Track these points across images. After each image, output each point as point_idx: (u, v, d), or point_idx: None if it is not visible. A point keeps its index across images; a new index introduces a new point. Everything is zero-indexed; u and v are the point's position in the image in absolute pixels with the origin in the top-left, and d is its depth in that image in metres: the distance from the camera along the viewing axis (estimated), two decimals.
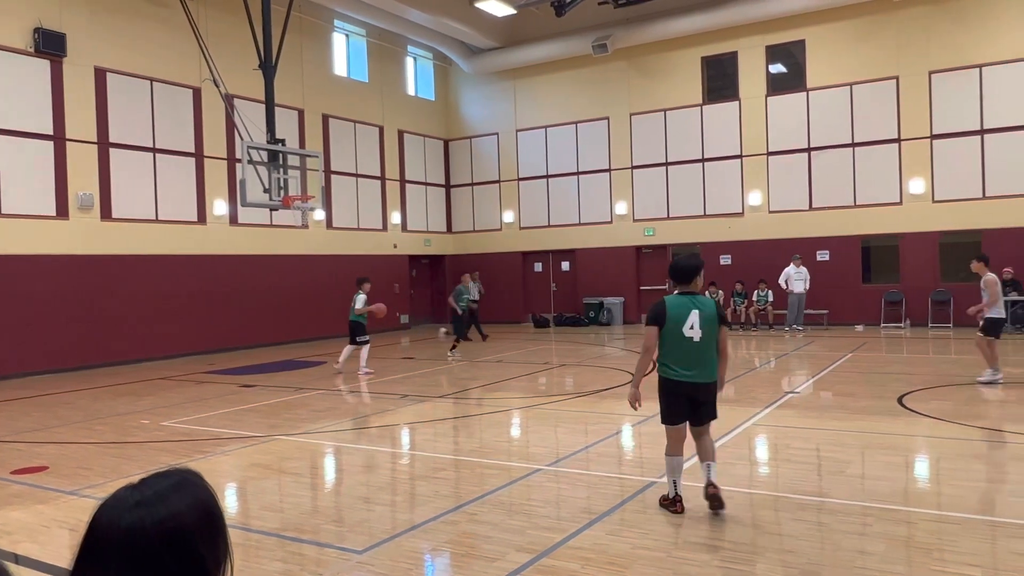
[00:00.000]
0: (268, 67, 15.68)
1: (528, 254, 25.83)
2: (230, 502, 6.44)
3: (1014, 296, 17.81)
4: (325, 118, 22.10)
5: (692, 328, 5.32)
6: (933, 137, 19.65)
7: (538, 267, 25.85)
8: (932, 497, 6.04)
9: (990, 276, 10.99)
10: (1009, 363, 13.00)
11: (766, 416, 9.21)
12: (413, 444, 8.67)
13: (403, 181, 24.99)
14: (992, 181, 18.97)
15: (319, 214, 21.22)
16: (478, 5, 21.75)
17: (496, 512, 5.73)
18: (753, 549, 4.85)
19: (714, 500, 5.39)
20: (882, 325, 20.15)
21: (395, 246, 24.40)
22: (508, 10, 21.87)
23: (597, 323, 23.71)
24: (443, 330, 22.87)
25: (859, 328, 20.01)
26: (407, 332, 23.93)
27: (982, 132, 19.05)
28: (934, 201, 19.67)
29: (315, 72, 21.80)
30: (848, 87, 20.59)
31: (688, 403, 5.48)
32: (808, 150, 21.17)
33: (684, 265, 5.52)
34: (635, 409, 5.64)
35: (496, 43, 24.69)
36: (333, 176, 22.24)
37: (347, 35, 23.25)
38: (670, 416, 5.56)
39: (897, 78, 19.99)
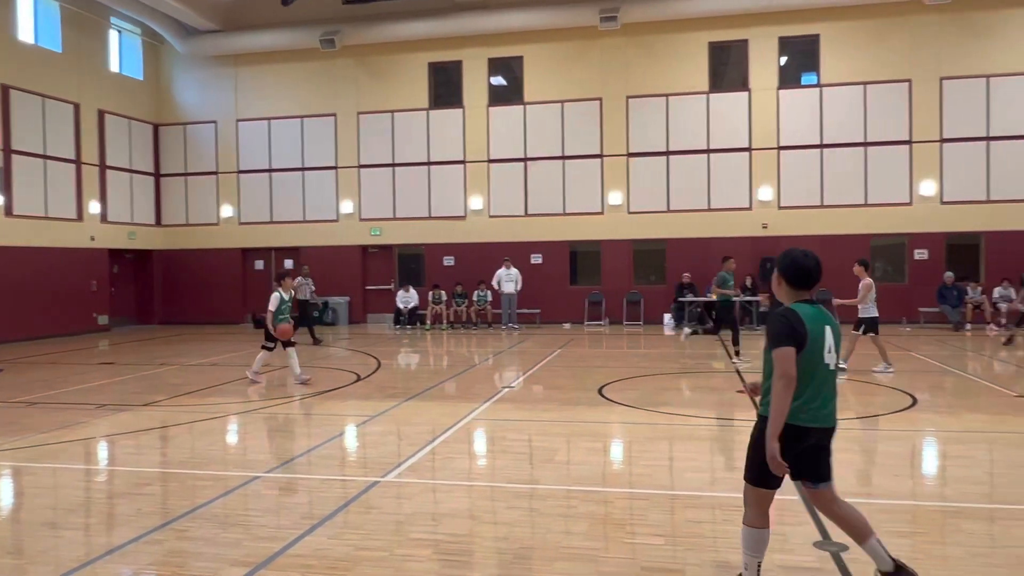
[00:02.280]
0: None
1: (248, 251, 24.60)
2: None
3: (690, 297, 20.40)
4: (5, 89, 19.28)
5: (830, 352, 3.89)
6: (629, 155, 21.89)
7: (259, 265, 24.73)
8: (625, 477, 6.67)
9: (867, 280, 12.44)
10: (748, 356, 14.85)
11: (484, 411, 9.54)
12: (112, 459, 7.84)
13: (103, 167, 22.56)
14: (676, 196, 21.59)
15: None
16: None
17: (209, 526, 5.38)
18: (470, 540, 5.03)
19: None
20: (586, 323, 22.02)
21: (92, 239, 21.95)
22: None
23: (321, 323, 23.23)
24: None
25: (566, 326, 21.70)
26: (107, 334, 21.64)
27: (667, 153, 21.61)
28: (630, 212, 21.90)
29: None
30: (559, 104, 22.23)
31: (812, 453, 3.99)
32: (525, 159, 22.51)
33: (809, 265, 3.98)
34: (783, 475, 3.90)
35: (215, 25, 23.21)
36: (14, 156, 19.48)
37: None
38: (773, 475, 3.87)
39: (600, 100, 21.96)
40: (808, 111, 20.91)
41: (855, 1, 20.13)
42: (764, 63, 21.14)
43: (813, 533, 5.03)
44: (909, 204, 20.45)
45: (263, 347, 12.10)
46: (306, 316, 18.47)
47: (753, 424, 4.07)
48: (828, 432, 3.98)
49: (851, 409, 9.38)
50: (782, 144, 21.06)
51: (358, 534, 5.15)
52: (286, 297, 11.89)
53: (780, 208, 21.10)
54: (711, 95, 21.49)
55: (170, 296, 24.71)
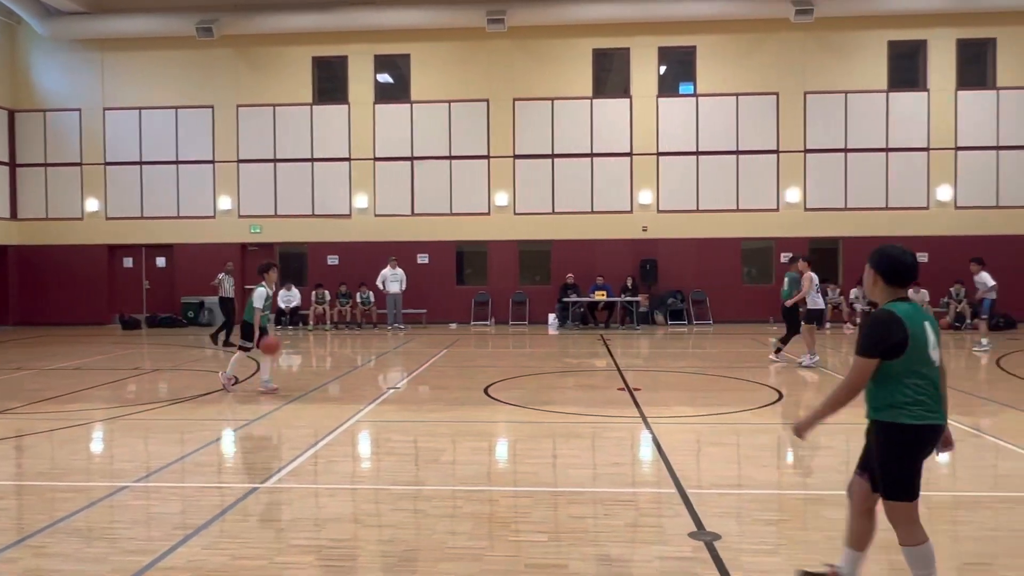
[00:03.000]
0: None
1: (116, 248, 23.27)
2: None
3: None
4: None
5: (935, 348, 3.72)
6: (515, 157, 22.13)
7: (128, 262, 23.44)
8: (510, 475, 6.76)
9: (809, 273, 13.13)
10: (628, 355, 15.15)
11: (369, 412, 9.39)
12: None
13: None
14: (560, 198, 21.99)
15: None
16: None
17: (71, 541, 5.05)
18: (354, 544, 4.96)
19: None
20: (472, 323, 22.09)
21: None
22: None
23: (197, 324, 22.28)
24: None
25: (453, 326, 21.70)
26: None
27: (552, 156, 21.98)
28: (516, 213, 22.13)
29: None
30: (447, 104, 22.22)
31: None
32: (411, 158, 22.35)
33: (908, 261, 3.74)
34: (802, 439, 4.15)
35: (80, 7, 21.82)
36: None
37: None
38: (914, 485, 3.72)
39: (488, 101, 22.10)
40: (685, 119, 21.75)
41: (729, 16, 21.04)
42: (645, 71, 21.83)
43: (688, 524, 5.16)
44: (776, 210, 21.60)
45: (240, 347, 11.02)
46: (229, 314, 17.43)
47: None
48: (939, 430, 3.71)
49: (725, 404, 9.78)
50: (661, 150, 21.80)
51: (236, 543, 4.97)
52: (270, 292, 10.83)
53: (659, 212, 21.85)
54: (595, 100, 21.99)
55: (28, 295, 23.06)
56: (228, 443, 8.17)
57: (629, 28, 21.49)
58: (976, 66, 21.29)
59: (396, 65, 22.79)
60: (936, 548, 4.48)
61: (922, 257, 20.53)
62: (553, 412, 9.42)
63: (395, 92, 22.86)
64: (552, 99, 21.99)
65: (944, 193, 21.05)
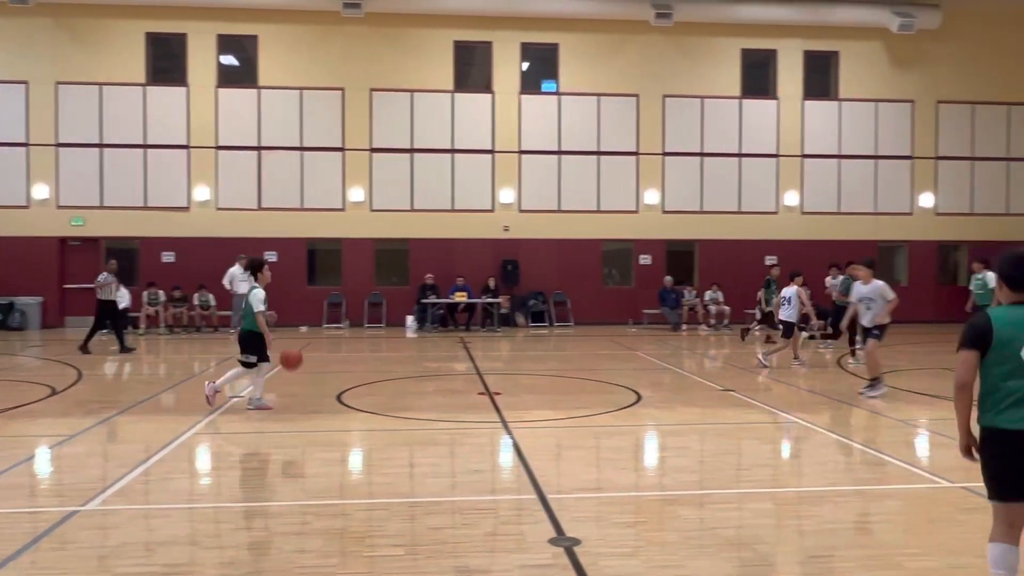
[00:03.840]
0: None
1: None
2: None
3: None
4: None
5: None
6: (372, 150, 21.13)
7: None
8: (364, 487, 6.43)
9: (799, 289, 13.30)
10: (489, 358, 14.43)
11: (208, 424, 8.59)
12: None
13: None
14: (419, 195, 21.22)
15: None
16: None
17: None
18: (191, 568, 4.48)
19: None
20: (324, 325, 20.87)
21: None
22: None
23: (6, 327, 19.75)
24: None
25: (303, 329, 20.38)
26: None
27: (412, 151, 21.18)
28: (372, 210, 21.13)
29: None
30: (298, 91, 20.91)
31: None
32: (258, 148, 20.87)
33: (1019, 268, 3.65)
34: (974, 460, 3.86)
35: None
36: None
37: None
38: (1002, 486, 3.74)
39: (343, 90, 20.99)
40: (547, 118, 21.55)
41: (591, 15, 21.05)
42: (507, 67, 21.46)
43: (548, 530, 5.06)
44: (636, 212, 21.78)
45: (244, 363, 9.38)
46: (117, 318, 15.80)
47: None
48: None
49: (585, 407, 9.65)
50: (524, 148, 21.48)
51: (51, 573, 4.42)
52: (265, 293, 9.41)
53: (521, 211, 21.51)
54: (456, 94, 21.38)
55: None
56: (43, 462, 7.17)
57: (491, 22, 21.05)
58: (821, 77, 22.37)
59: (242, 47, 21.24)
60: (782, 543, 5.06)
61: (771, 260, 21.32)
62: (411, 419, 8.91)
63: (240, 76, 21.30)
64: (411, 91, 21.17)
65: (791, 198, 21.95)
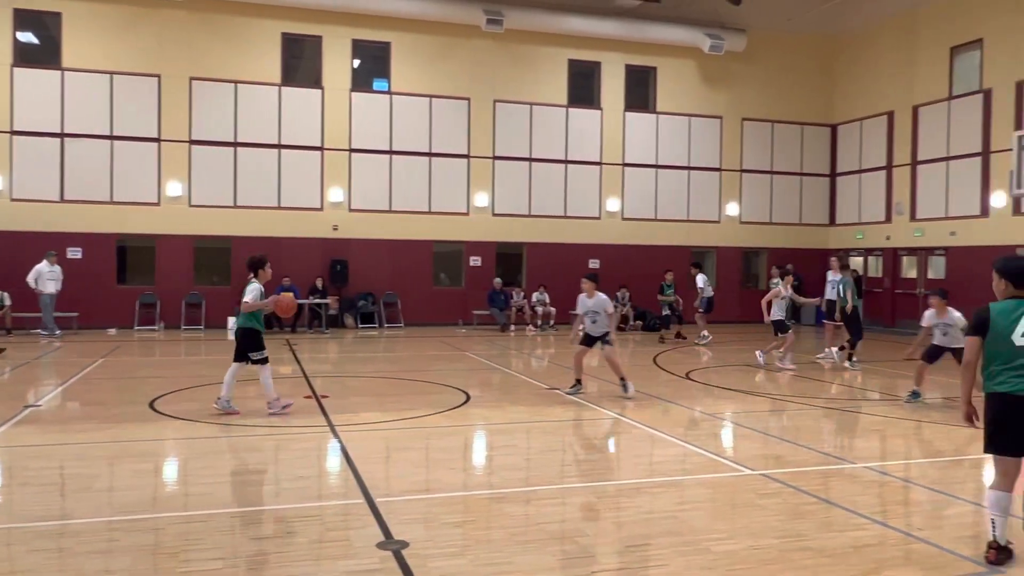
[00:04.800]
0: None
1: None
2: None
3: None
4: None
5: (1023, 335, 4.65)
6: (192, 142, 20.00)
7: None
8: (180, 499, 6.07)
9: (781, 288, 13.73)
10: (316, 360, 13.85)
11: (0, 436, 7.77)
12: None
13: None
14: (243, 191, 20.32)
15: None
16: None
17: None
18: None
19: None
20: (136, 328, 19.48)
21: None
22: None
23: None
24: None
25: (112, 331, 18.90)
26: None
27: (235, 144, 20.24)
28: (191, 205, 19.98)
29: None
30: (108, 75, 19.39)
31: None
32: (62, 135, 19.15)
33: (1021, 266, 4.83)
34: (975, 426, 4.92)
35: None
36: None
37: None
38: (997, 442, 4.72)
39: (159, 76, 19.71)
40: (379, 116, 21.29)
41: (424, 16, 20.98)
42: (338, 63, 20.99)
43: (377, 534, 5.00)
44: (467, 214, 21.99)
45: (257, 361, 8.97)
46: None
47: None
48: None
49: (415, 408, 9.62)
50: (354, 147, 21.10)
51: None
52: (262, 289, 9.06)
53: (351, 211, 21.11)
54: (284, 88, 20.64)
55: None
56: None
57: (322, 16, 20.51)
58: (641, 90, 23.61)
59: (43, 24, 19.40)
60: (602, 534, 5.23)
61: (594, 263, 22.25)
62: (232, 425, 8.55)
63: (41, 55, 19.45)
64: (236, 82, 20.23)
65: (613, 205, 23.01)
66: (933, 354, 10.11)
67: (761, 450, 7.80)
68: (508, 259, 22.86)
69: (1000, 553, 4.59)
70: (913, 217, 21.85)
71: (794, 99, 24.40)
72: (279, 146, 20.58)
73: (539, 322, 21.25)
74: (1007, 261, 4.92)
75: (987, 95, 19.71)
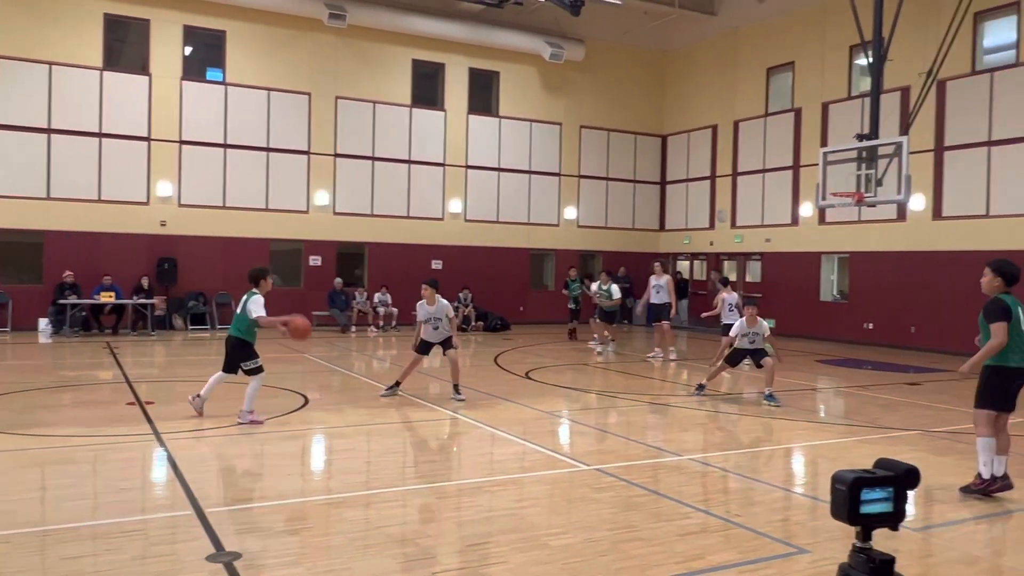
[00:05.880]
0: None
1: None
2: None
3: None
4: None
5: None
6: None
7: None
8: None
9: (723, 295, 14.35)
10: (141, 364, 12.80)
11: None
12: None
13: None
14: (57, 182, 18.71)
15: None
16: None
17: None
18: None
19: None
20: None
21: None
22: None
23: None
24: None
25: None
26: None
27: (49, 131, 18.60)
28: None
29: None
30: None
31: (1016, 389, 6.21)
32: None
33: (1017, 270, 6.23)
34: (968, 377, 6.47)
35: None
36: None
37: None
38: (1005, 402, 6.17)
39: None
40: (213, 107, 20.25)
41: (262, 6, 20.20)
42: (167, 49, 19.76)
43: (206, 547, 4.79)
44: (306, 212, 21.38)
45: (251, 371, 8.74)
46: None
47: None
48: None
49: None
50: (184, 138, 19.95)
51: None
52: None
53: (180, 206, 19.95)
54: (105, 72, 19.15)
55: None
56: None
57: None
58: (484, 94, 23.88)
59: None
60: (443, 535, 5.26)
61: (437, 264, 22.32)
62: (43, 436, 7.88)
63: None
64: (50, 63, 18.55)
65: (456, 206, 23.13)
66: (737, 359, 10.90)
67: (595, 446, 8.12)
68: (349, 259, 22.44)
69: (1002, 480, 6.07)
70: (734, 224, 23.49)
71: (629, 109, 25.55)
72: (99, 135, 19.10)
73: (381, 323, 21.00)
74: (1004, 264, 6.14)
75: (798, 113, 21.53)
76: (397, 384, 10.58)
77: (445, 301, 10.56)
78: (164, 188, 19.73)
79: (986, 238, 16.85)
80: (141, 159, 19.54)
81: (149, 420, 8.64)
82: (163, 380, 12.12)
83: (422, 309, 10.45)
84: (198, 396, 8.92)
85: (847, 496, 2.17)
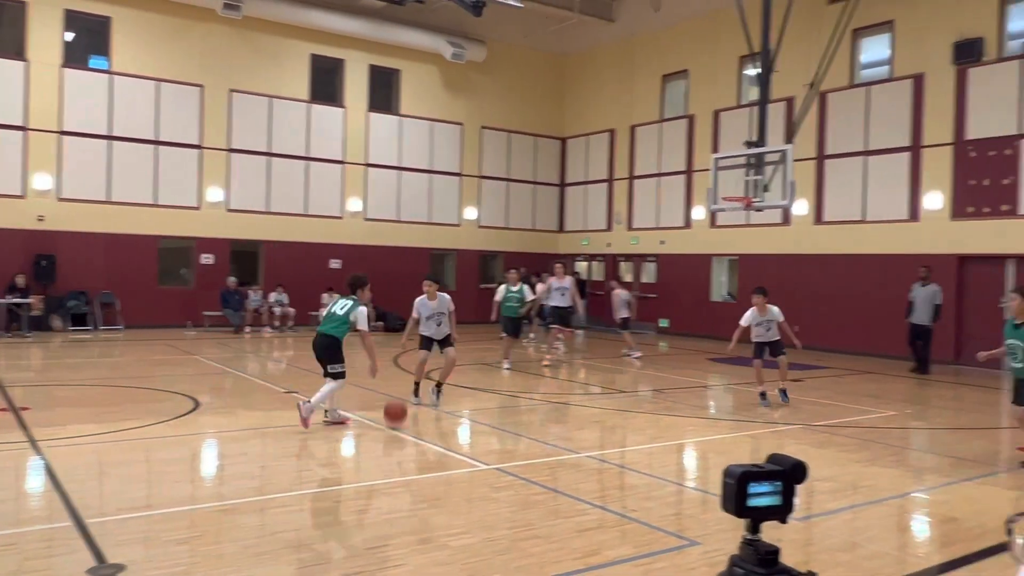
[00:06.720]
0: None
1: None
2: None
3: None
4: None
5: None
6: None
7: None
8: None
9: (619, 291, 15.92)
10: (15, 368, 11.89)
11: None
12: None
13: None
14: None
15: None
16: None
17: None
18: None
19: None
20: None
21: None
22: None
23: None
24: None
25: None
26: None
27: None
28: None
29: None
30: None
31: None
32: None
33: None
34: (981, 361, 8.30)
35: None
36: None
37: None
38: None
39: None
40: (97, 97, 19.19)
41: None
42: (46, 34, 18.58)
43: (87, 559, 4.57)
44: (198, 208, 20.57)
45: (335, 375, 8.50)
46: None
47: None
48: None
49: (135, 418, 8.85)
50: (65, 129, 18.84)
51: None
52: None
53: (60, 200, 18.83)
54: None
55: None
56: None
57: None
58: (385, 92, 23.57)
59: None
60: (340, 538, 5.24)
61: (335, 264, 21.94)
62: None
63: None
64: None
65: (355, 204, 22.77)
66: (759, 352, 10.78)
67: (495, 445, 8.18)
68: (244, 257, 21.74)
69: None
70: (630, 226, 24.07)
71: (529, 111, 25.80)
72: None
73: (277, 323, 20.45)
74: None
75: (691, 120, 22.28)
76: (418, 386, 10.24)
77: (447, 296, 10.27)
78: (42, 181, 18.58)
79: (862, 243, 17.91)
80: (16, 150, 18.34)
81: (24, 427, 8.12)
82: (40, 384, 11.42)
83: (423, 306, 10.07)
84: (330, 410, 8.69)
85: (736, 490, 2.26)
